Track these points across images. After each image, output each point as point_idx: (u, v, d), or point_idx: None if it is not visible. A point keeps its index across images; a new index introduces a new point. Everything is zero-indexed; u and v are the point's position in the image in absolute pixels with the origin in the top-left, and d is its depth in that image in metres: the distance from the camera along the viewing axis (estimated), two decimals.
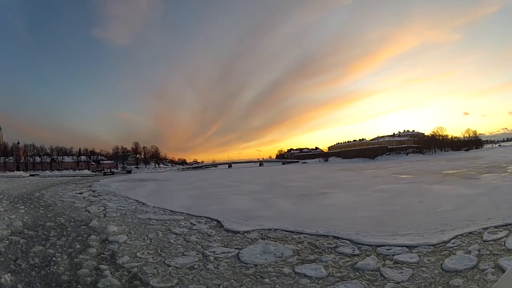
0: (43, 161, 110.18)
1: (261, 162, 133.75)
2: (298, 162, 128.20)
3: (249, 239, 9.41)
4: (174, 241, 9.73)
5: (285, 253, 7.78)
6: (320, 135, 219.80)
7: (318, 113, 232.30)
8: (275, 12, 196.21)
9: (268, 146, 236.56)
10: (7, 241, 9.60)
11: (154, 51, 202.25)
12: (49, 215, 15.27)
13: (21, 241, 9.68)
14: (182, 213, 15.04)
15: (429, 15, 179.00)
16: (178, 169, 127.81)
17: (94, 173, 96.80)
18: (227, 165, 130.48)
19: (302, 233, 9.69)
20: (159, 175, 72.94)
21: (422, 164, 53.40)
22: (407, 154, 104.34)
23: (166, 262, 7.59)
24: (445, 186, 19.82)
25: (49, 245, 9.32)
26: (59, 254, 8.23)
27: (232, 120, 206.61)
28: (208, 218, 13.31)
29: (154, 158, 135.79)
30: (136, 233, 11.13)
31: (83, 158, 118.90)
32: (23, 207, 18.05)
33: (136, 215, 15.19)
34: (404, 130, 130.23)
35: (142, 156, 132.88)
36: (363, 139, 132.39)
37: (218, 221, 12.41)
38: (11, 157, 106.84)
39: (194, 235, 10.43)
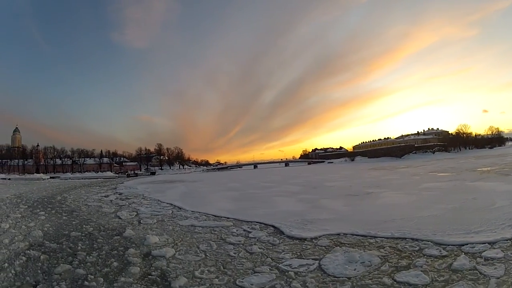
0: (64, 163, 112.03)
1: (286, 162, 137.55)
2: (323, 162, 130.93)
3: (322, 247, 8.30)
4: (235, 253, 8.07)
5: (373, 260, 7.01)
6: (343, 134, 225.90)
7: (340, 112, 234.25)
8: (293, 12, 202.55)
9: (291, 146, 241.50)
10: (24, 258, 7.83)
11: (173, 53, 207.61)
12: (74, 222, 13.60)
13: (41, 257, 7.91)
14: (228, 218, 13.41)
15: (444, 11, 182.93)
16: (203, 170, 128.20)
17: (117, 175, 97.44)
18: (253, 166, 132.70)
19: (376, 237, 8.93)
20: (185, 176, 71.89)
21: (452, 162, 54.10)
22: (433, 153, 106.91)
23: (237, 282, 6.05)
24: (488, 183, 19.84)
25: (78, 262, 7.49)
26: (93, 277, 6.45)
27: (254, 120, 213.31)
28: (260, 223, 11.86)
29: (178, 159, 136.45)
30: (183, 244, 9.29)
31: (105, 160, 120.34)
32: (43, 212, 16.54)
33: (175, 221, 13.40)
34: (428, 128, 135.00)
35: (166, 158, 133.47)
36: (388, 137, 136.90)
37: (274, 226, 11.05)
38: (30, 160, 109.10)
39: (255, 244, 8.84)
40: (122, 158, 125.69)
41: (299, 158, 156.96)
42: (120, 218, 14.53)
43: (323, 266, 6.78)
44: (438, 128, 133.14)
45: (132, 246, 8.95)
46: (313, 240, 8.92)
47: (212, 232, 10.86)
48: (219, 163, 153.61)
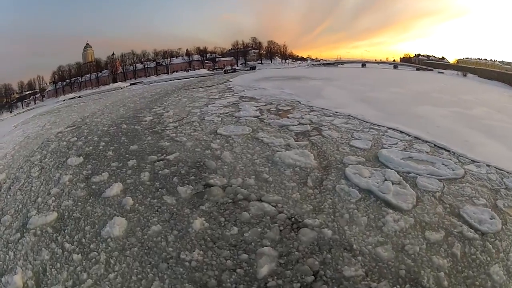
0: (146, 66, 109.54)
1: (395, 65, 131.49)
2: (432, 70, 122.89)
3: None
4: None
5: None
6: (431, 43, 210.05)
7: (428, 21, 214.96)
8: None
9: (377, 47, 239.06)
10: None
11: None
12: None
13: None
14: None
15: None
16: (307, 65, 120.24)
17: (212, 72, 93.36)
18: (360, 64, 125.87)
19: None
20: (299, 72, 63.42)
21: None
22: None
23: None
24: None
25: None
26: None
27: (339, 20, 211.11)
28: None
29: (278, 53, 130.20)
30: None
31: (195, 57, 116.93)
32: (119, 187, 8.90)
33: None
34: None
35: (265, 51, 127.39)
36: (494, 60, 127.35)
37: None
38: (105, 71, 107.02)
39: None
40: (213, 54, 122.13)
41: (400, 61, 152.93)
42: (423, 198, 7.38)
43: None
44: None
45: None
46: None
47: None
48: (311, 59, 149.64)
